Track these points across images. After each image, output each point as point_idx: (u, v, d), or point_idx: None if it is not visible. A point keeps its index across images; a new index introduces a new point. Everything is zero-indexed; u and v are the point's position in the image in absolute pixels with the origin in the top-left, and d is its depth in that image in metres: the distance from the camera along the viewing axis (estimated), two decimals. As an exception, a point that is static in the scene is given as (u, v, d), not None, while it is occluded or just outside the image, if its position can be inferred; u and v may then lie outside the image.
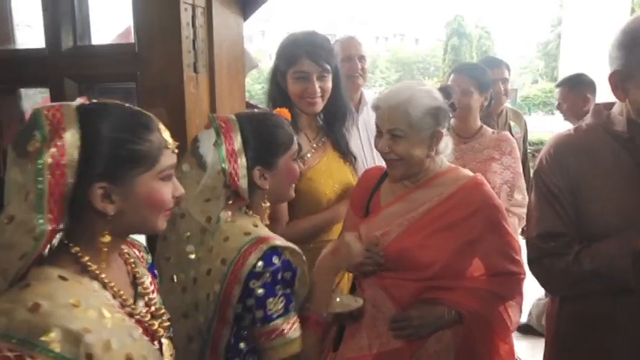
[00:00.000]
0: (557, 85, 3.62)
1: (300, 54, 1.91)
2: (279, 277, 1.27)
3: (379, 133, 1.65)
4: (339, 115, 2.10)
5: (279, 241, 1.31)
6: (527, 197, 2.53)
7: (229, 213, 1.35)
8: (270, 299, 1.26)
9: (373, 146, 2.61)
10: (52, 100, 1.72)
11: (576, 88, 3.45)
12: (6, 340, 0.80)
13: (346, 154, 2.12)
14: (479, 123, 2.66)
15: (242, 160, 1.33)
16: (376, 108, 1.65)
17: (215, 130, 1.33)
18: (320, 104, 1.97)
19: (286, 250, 1.30)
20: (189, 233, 1.35)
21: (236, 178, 1.32)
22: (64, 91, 1.67)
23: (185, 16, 1.53)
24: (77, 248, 0.95)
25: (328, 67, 1.94)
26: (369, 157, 2.46)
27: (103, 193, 0.93)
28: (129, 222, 0.98)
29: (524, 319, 3.86)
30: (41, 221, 0.87)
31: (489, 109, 2.77)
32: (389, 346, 1.58)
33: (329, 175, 2.02)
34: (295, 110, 1.96)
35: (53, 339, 0.81)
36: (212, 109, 1.68)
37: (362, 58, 2.62)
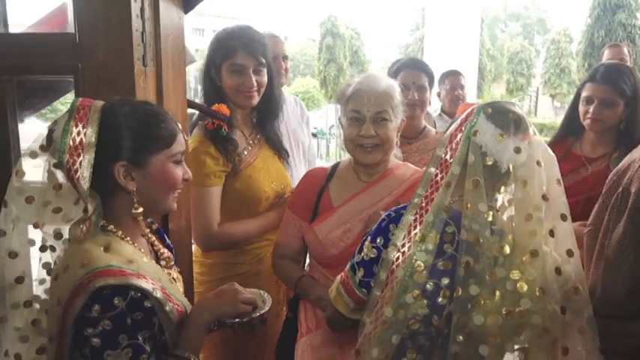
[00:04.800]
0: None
1: (236, 47, 1.91)
2: (124, 321, 1.06)
3: (358, 120, 1.66)
4: (273, 111, 2.12)
5: (119, 277, 1.07)
6: None
7: (84, 228, 1.12)
8: (109, 352, 1.04)
9: (293, 143, 2.68)
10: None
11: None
12: None
13: (280, 151, 2.15)
14: (423, 122, 2.52)
15: (89, 156, 1.11)
16: (354, 94, 1.67)
17: (69, 114, 1.14)
18: (256, 98, 1.98)
19: (133, 289, 1.08)
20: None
21: (75, 177, 1.10)
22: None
23: (135, 8, 1.46)
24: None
25: (264, 61, 1.96)
26: (290, 154, 2.50)
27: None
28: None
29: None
30: None
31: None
32: None
33: (267, 172, 2.04)
34: (230, 106, 1.96)
35: None
36: (159, 104, 1.63)
37: (285, 57, 2.65)
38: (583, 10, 18.93)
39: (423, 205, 1.25)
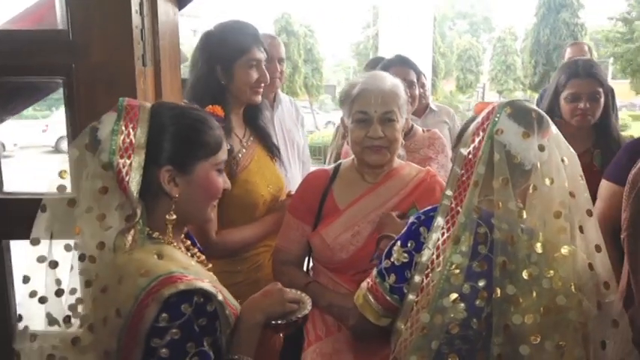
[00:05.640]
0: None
1: (249, 42, 1.87)
2: (192, 329, 1.02)
3: (365, 121, 1.61)
4: (262, 108, 2.07)
5: (187, 282, 1.03)
6: None
7: (129, 237, 1.07)
8: None
9: (288, 144, 2.62)
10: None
11: None
12: None
13: (272, 150, 2.09)
14: (410, 121, 2.40)
15: (139, 158, 1.06)
16: (360, 93, 1.62)
17: (118, 114, 1.08)
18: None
19: (197, 294, 1.03)
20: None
21: (125, 179, 1.04)
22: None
23: (134, 3, 1.36)
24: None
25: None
26: (284, 153, 2.44)
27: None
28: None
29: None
30: None
31: None
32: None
33: (262, 176, 1.98)
34: (228, 107, 1.87)
35: None
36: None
37: (282, 60, 2.59)
38: (527, 8, 19.66)
39: (453, 206, 1.22)
